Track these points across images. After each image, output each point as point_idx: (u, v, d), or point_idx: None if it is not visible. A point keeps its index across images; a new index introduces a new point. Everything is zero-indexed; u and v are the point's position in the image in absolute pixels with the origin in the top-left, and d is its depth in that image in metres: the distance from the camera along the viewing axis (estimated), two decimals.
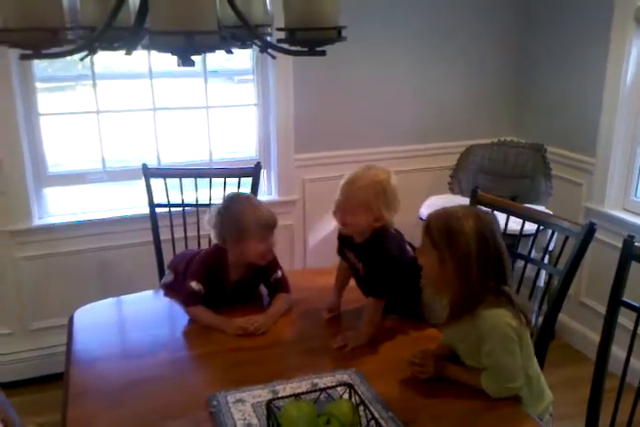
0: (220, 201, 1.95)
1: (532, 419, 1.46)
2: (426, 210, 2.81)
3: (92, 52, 1.19)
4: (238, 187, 2.44)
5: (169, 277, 2.10)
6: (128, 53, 1.21)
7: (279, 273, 1.97)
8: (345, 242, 1.89)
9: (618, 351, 1.73)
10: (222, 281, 1.92)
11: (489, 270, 1.48)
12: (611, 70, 2.73)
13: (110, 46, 1.28)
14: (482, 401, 1.48)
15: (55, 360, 2.54)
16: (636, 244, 1.64)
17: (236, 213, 1.83)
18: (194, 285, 1.86)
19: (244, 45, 1.37)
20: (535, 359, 1.59)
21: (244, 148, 3.10)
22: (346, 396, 1.36)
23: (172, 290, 2.06)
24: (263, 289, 2.03)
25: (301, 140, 2.98)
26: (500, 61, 3.25)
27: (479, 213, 1.54)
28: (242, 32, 1.29)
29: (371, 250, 1.78)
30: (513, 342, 1.47)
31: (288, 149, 2.97)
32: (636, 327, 1.61)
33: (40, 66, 2.68)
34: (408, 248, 1.86)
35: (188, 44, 0.93)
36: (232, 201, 1.90)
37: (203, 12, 0.97)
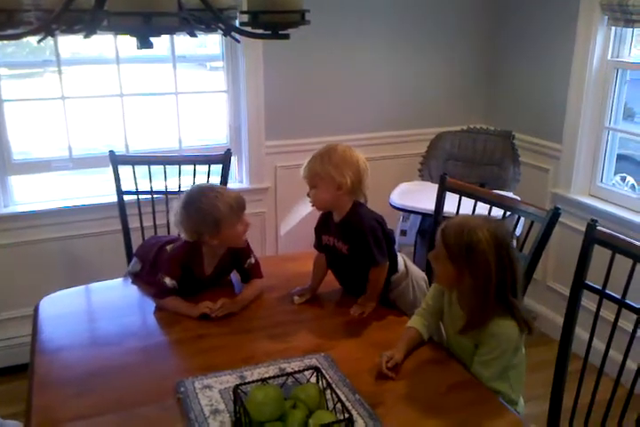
0: (182, 197, 1.86)
1: (497, 399, 1.48)
2: (396, 196, 2.83)
3: (50, 34, 1.16)
4: (208, 174, 2.42)
5: (136, 265, 2.07)
6: (87, 36, 1.18)
7: (252, 259, 1.98)
8: (322, 228, 1.91)
9: (582, 333, 1.77)
10: (197, 274, 1.92)
11: (506, 285, 1.50)
12: (577, 58, 2.77)
13: (70, 29, 1.26)
14: (447, 384, 1.51)
15: (22, 351, 2.48)
16: (599, 228, 1.67)
17: (207, 207, 1.80)
18: (167, 281, 1.84)
19: (208, 29, 1.35)
20: (524, 366, 1.63)
21: (215, 135, 3.07)
22: (313, 380, 1.37)
23: (139, 279, 2.04)
24: (234, 276, 2.03)
25: (273, 127, 2.96)
26: (470, 49, 3.26)
27: (496, 225, 1.53)
28: (205, 15, 1.27)
29: (351, 222, 1.81)
30: (509, 355, 1.53)
31: (259, 136, 2.96)
32: (598, 309, 1.65)
33: (7, 51, 2.62)
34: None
35: (145, 25, 0.92)
36: (198, 196, 1.83)
37: None
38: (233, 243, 1.89)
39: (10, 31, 1.15)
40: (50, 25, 1.12)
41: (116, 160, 2.39)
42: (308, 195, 1.82)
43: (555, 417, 1.76)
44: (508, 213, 2.04)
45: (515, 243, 2.45)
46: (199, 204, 1.81)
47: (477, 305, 1.50)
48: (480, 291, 1.48)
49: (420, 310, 1.71)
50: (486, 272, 1.47)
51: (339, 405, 1.28)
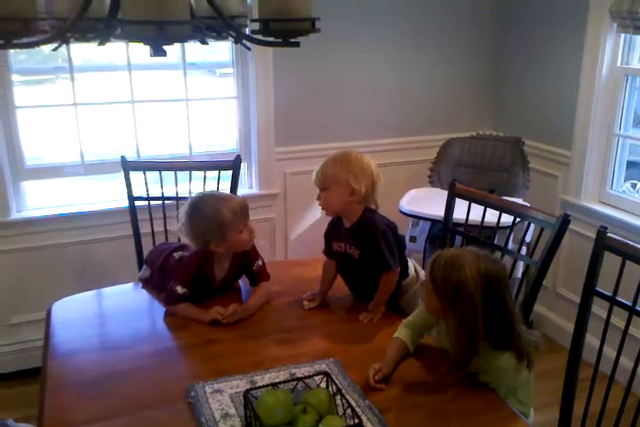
0: (185, 206, 1.87)
1: (505, 406, 1.48)
2: (406, 203, 2.83)
3: (65, 42, 1.18)
4: (218, 180, 2.43)
5: (146, 272, 2.09)
6: (101, 44, 1.20)
7: (260, 262, 1.99)
8: (333, 234, 1.91)
9: (593, 341, 1.76)
10: (209, 281, 1.93)
11: (496, 325, 1.46)
12: (586, 64, 2.76)
13: (84, 37, 1.28)
14: (455, 391, 1.50)
15: (35, 355, 2.49)
16: (609, 235, 1.66)
17: (211, 213, 1.81)
18: (179, 289, 1.85)
19: (219, 36, 1.37)
20: (531, 380, 1.61)
21: (225, 141, 3.09)
22: (323, 385, 1.37)
23: (149, 285, 2.05)
24: (242, 280, 2.04)
25: (282, 133, 2.98)
26: (478, 56, 3.27)
27: (486, 263, 1.46)
28: (217, 23, 1.29)
29: (363, 227, 1.81)
30: (511, 380, 1.52)
31: (268, 143, 2.97)
32: (609, 317, 1.64)
33: (19, 58, 2.65)
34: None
35: (159, 33, 0.93)
36: (200, 203, 1.85)
37: (175, 2, 0.97)
38: (239, 248, 1.90)
39: (25, 39, 1.17)
40: (64, 33, 1.14)
41: (127, 166, 2.41)
42: (318, 198, 1.83)
43: (565, 426, 1.75)
44: (518, 219, 2.04)
45: (525, 250, 2.45)
46: (203, 211, 1.83)
47: (460, 350, 1.47)
48: (464, 334, 1.45)
49: (406, 322, 1.68)
50: (472, 316, 1.42)
51: (349, 410, 1.28)
